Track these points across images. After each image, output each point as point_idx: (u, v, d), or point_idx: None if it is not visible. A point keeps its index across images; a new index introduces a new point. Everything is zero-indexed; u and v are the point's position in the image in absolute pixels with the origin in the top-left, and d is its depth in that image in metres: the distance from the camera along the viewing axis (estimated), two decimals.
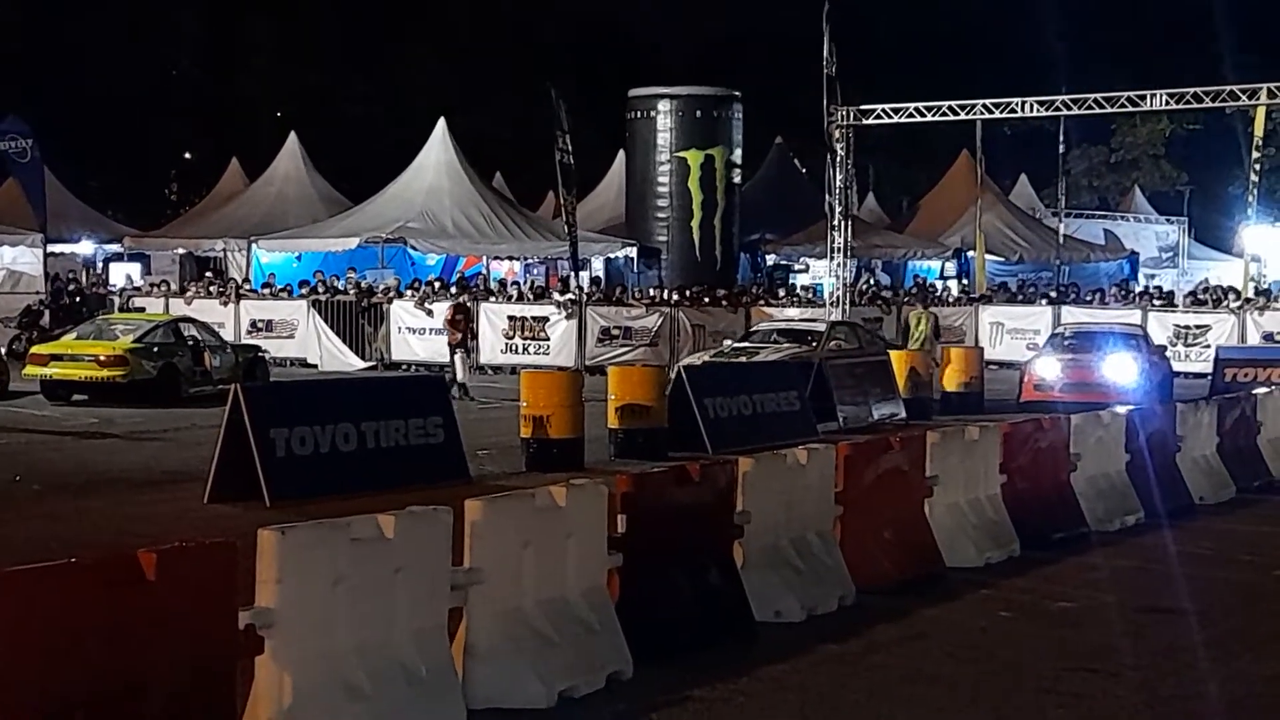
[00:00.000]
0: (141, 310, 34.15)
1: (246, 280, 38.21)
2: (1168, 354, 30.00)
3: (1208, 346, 32.18)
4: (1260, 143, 40.33)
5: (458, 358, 28.15)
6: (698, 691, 8.29)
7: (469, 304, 31.04)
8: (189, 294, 37.01)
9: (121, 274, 42.18)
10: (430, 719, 7.37)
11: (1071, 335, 28.36)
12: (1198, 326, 33.92)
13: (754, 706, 8.13)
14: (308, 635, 6.92)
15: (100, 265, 43.89)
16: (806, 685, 8.55)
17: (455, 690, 7.61)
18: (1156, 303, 37.21)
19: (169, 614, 6.32)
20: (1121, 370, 25.96)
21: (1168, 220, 59.30)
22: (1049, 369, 26.34)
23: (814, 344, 24.57)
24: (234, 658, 6.65)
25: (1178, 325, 34.57)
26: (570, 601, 8.40)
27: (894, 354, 25.22)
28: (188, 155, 61.01)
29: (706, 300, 36.44)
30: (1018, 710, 8.15)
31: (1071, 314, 36.07)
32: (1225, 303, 36.39)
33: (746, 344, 25.71)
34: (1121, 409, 15.60)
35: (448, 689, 7.56)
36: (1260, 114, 39.96)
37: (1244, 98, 31.57)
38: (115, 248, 44.08)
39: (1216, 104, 31.88)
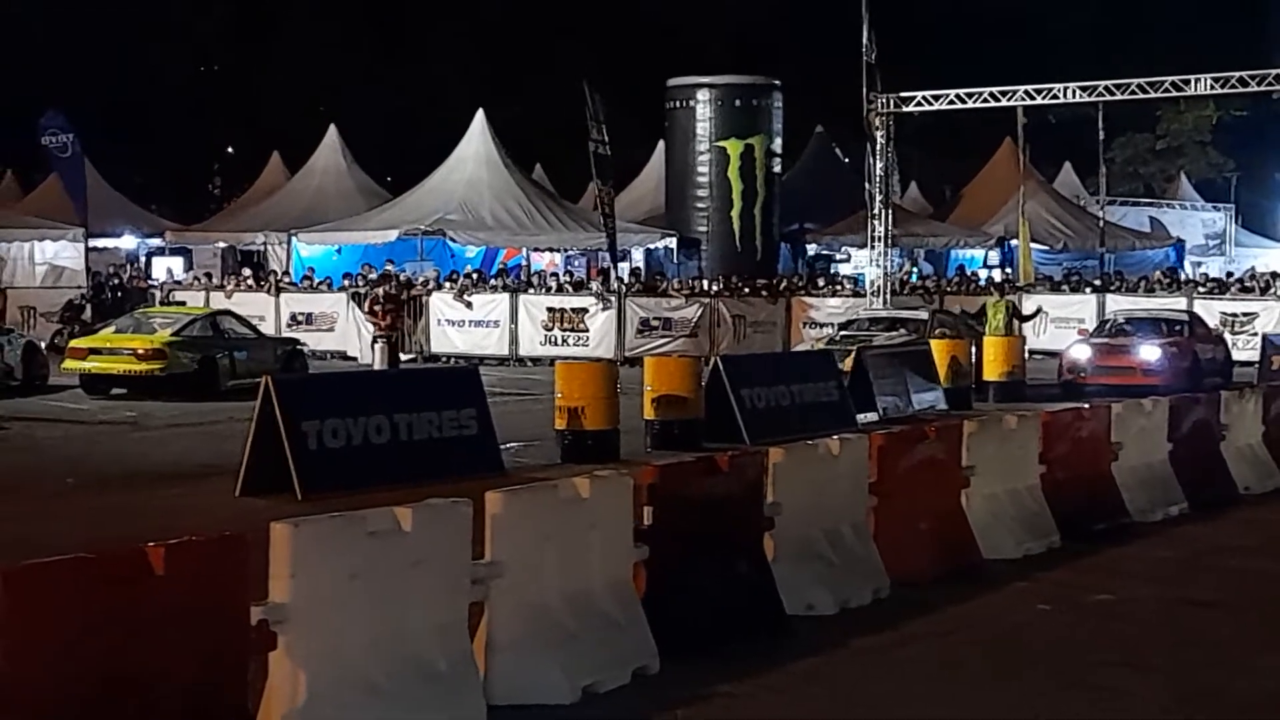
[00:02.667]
0: (182, 304, 34.19)
1: (286, 273, 38.24)
2: (1225, 339, 30.31)
3: (1255, 334, 31.74)
4: None
5: (377, 348, 26.56)
6: (725, 686, 8.14)
7: (394, 292, 29.01)
8: (229, 288, 37.07)
9: (163, 268, 42.33)
10: (449, 715, 7.23)
11: (1123, 321, 28.97)
12: (1244, 313, 33.49)
13: (782, 701, 7.98)
14: (322, 631, 6.80)
15: (142, 260, 44.04)
16: (836, 679, 8.39)
17: (475, 686, 7.48)
18: (1202, 289, 36.78)
19: (179, 609, 6.22)
20: (1163, 354, 26.52)
21: (1214, 207, 58.68)
22: (1085, 354, 26.98)
23: (918, 332, 25.82)
24: (246, 653, 6.54)
25: (1224, 312, 34.11)
26: (594, 595, 8.25)
27: (935, 344, 24.92)
28: (230, 149, 61.23)
29: (747, 291, 36.23)
30: (1047, 705, 7.98)
31: (1116, 302, 35.76)
32: (1273, 289, 35.93)
33: (853, 333, 26.70)
34: (1164, 398, 15.34)
35: (468, 685, 7.42)
36: None
37: None
38: (157, 242, 44.22)
39: (1264, 88, 31.35)
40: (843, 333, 27.38)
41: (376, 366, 26.23)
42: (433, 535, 7.35)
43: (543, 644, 7.86)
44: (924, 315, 28.12)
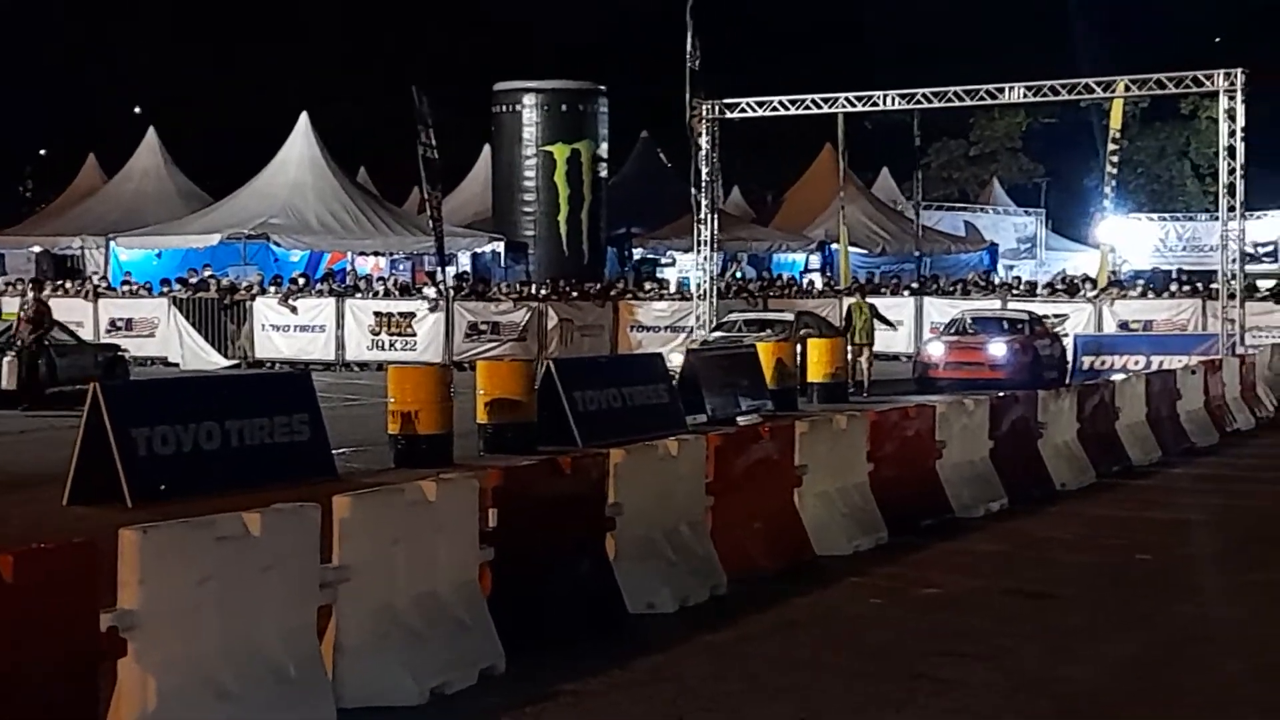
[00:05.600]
0: None
1: (104, 278, 37.45)
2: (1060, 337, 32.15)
3: (1066, 335, 32.77)
4: (1116, 135, 41.24)
5: (5, 362, 23.65)
6: (571, 685, 8.26)
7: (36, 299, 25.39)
8: (45, 293, 36.10)
9: None
10: (299, 719, 7.25)
11: (970, 320, 30.89)
12: (1056, 315, 34.51)
13: (628, 698, 8.11)
14: (172, 637, 6.78)
15: None
16: (682, 675, 8.54)
17: (325, 689, 7.50)
18: (1016, 292, 37.84)
19: (28, 617, 6.15)
20: (1008, 350, 28.73)
21: (1026, 212, 60.39)
22: (939, 350, 29.17)
23: (785, 333, 27.59)
24: (96, 661, 6.49)
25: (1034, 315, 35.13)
26: (442, 597, 8.31)
27: (761, 346, 25.31)
28: (42, 151, 59.69)
29: (575, 294, 36.41)
30: (890, 695, 8.21)
31: (934, 305, 36.76)
32: (1083, 292, 37.11)
33: (723, 334, 28.86)
34: (984, 396, 15.81)
35: (317, 688, 7.44)
36: (1116, 106, 40.85)
37: (1100, 90, 32.17)
38: None
39: (1073, 96, 32.40)
40: (717, 333, 29.46)
41: (4, 385, 23.40)
42: (281, 540, 7.36)
43: (390, 646, 7.90)
44: (790, 317, 30.31)
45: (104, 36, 57.70)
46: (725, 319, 31.77)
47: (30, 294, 26.19)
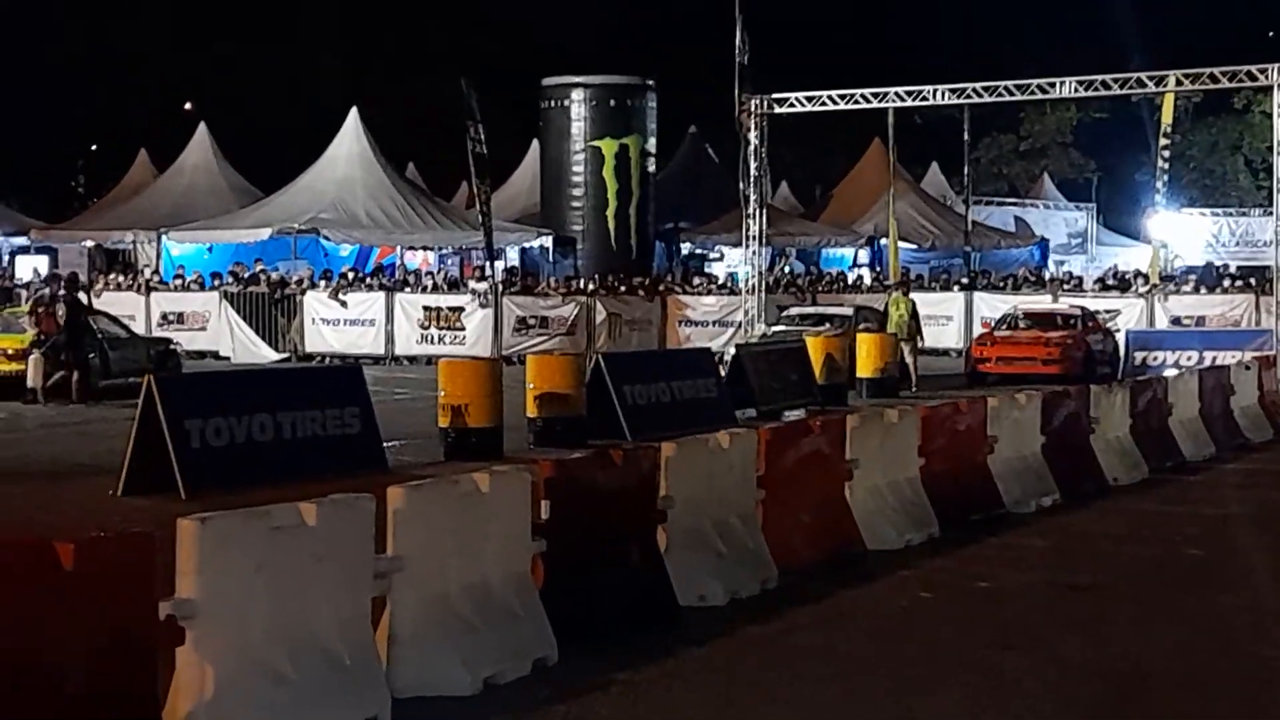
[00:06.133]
0: None
1: (156, 272, 37.75)
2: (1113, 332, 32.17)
3: (1117, 330, 32.59)
4: (1168, 129, 40.91)
5: (31, 360, 23.57)
6: (623, 675, 8.29)
7: (60, 293, 25.09)
8: (97, 287, 36.50)
9: (28, 267, 41.54)
10: (354, 707, 7.30)
11: (1022, 315, 31.08)
12: (1107, 311, 34.33)
13: (679, 689, 8.15)
14: (229, 625, 6.84)
15: (6, 258, 43.20)
16: (731, 667, 8.57)
17: (379, 678, 7.56)
18: (1066, 288, 37.65)
19: (88, 605, 6.23)
20: (1060, 345, 28.80)
21: (1076, 207, 60.00)
22: (992, 344, 29.45)
23: (844, 327, 27.94)
24: (155, 649, 6.56)
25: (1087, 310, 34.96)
26: (494, 588, 8.36)
27: (811, 340, 25.30)
28: (94, 146, 60.19)
29: (622, 289, 36.45)
30: (938, 687, 8.21)
31: (984, 300, 36.66)
32: (1134, 287, 36.88)
33: (783, 327, 29.39)
34: (1036, 391, 15.76)
35: (371, 677, 7.49)
36: (1168, 101, 40.56)
37: (1151, 85, 31.96)
38: (22, 240, 43.40)
39: (1125, 91, 32.21)
40: (778, 327, 30.11)
41: (30, 383, 23.35)
42: (336, 530, 7.41)
43: (444, 636, 7.96)
44: (849, 311, 30.78)
45: (153, 34, 58.09)
46: (785, 313, 32.33)
47: (61, 292, 25.71)
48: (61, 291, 25.13)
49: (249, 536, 7.02)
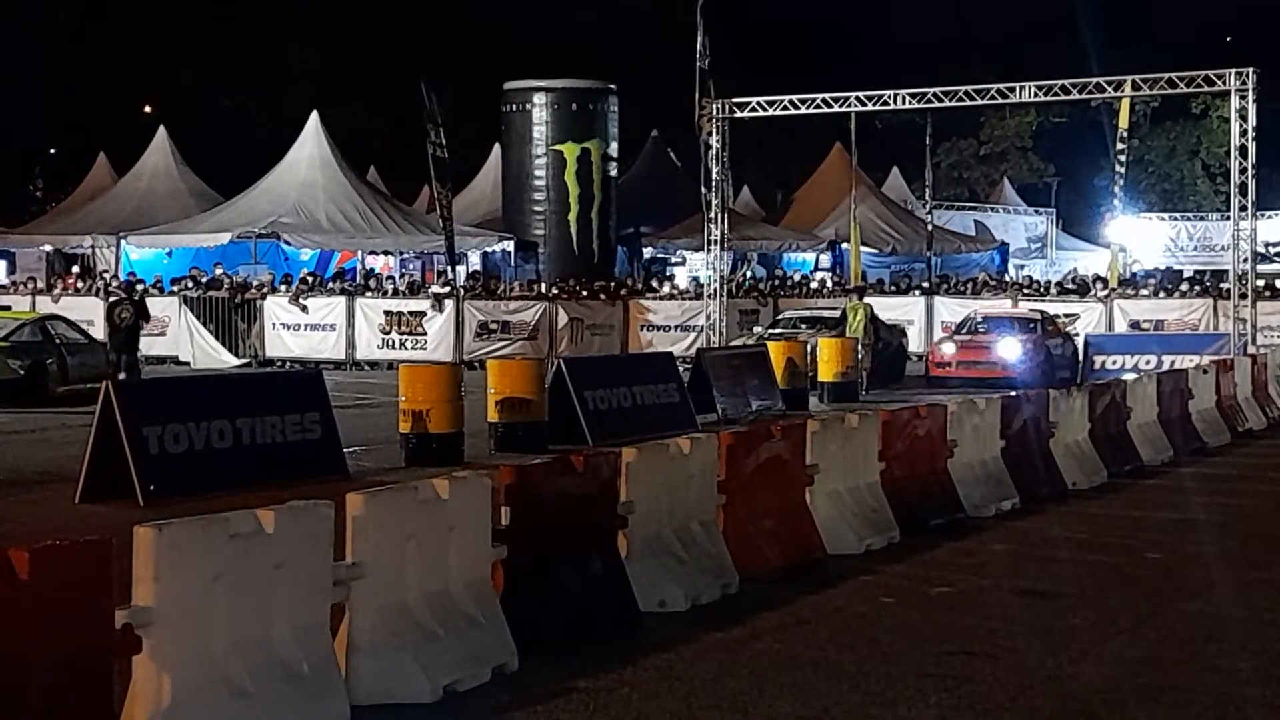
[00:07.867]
0: (7, 309, 33.34)
1: (115, 276, 37.51)
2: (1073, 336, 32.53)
3: (1076, 334, 32.77)
4: (1125, 134, 41.13)
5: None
6: (583, 682, 8.27)
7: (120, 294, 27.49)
8: (56, 291, 36.27)
9: None
10: (313, 716, 7.26)
11: (981, 320, 31.38)
12: (1066, 315, 34.51)
13: (639, 696, 8.13)
14: (186, 634, 6.79)
15: None
16: (691, 674, 8.56)
17: (338, 686, 7.52)
18: (1026, 292, 37.83)
19: (43, 613, 6.17)
20: (1021, 349, 29.19)
21: (1036, 211, 60.34)
22: (950, 349, 29.80)
23: (840, 329, 28.40)
24: (111, 657, 6.51)
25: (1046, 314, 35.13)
26: (454, 595, 8.33)
27: (773, 345, 25.37)
28: (53, 150, 59.76)
29: (584, 293, 36.44)
30: (899, 694, 8.22)
31: (945, 304, 36.83)
32: (1093, 291, 37.08)
33: (781, 330, 30.01)
34: (996, 396, 15.81)
35: (330, 685, 7.46)
36: (1125, 106, 40.73)
37: (1110, 90, 32.14)
38: None
39: (1083, 95, 32.36)
40: (775, 329, 30.76)
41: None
42: (294, 537, 7.37)
43: (403, 644, 7.92)
44: (838, 314, 31.06)
45: (111, 35, 57.68)
46: (781, 316, 33.32)
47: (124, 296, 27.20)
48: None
49: (207, 544, 6.97)
